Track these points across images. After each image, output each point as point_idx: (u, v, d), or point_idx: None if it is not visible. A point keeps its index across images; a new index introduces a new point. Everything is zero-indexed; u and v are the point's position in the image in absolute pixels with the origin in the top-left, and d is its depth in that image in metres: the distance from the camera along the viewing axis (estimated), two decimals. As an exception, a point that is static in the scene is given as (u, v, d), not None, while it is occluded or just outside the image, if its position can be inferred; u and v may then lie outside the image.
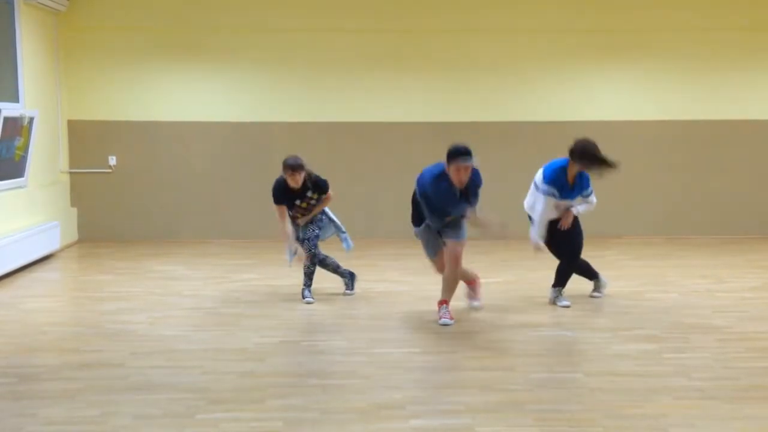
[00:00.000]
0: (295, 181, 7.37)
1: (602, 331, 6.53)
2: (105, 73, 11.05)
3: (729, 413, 4.74)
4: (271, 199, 7.51)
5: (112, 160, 11.14)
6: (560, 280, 7.43)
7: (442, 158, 6.59)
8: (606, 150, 7.54)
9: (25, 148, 9.35)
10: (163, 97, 11.15)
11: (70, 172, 11.09)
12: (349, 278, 7.84)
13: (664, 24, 11.21)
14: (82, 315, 7.24)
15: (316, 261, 7.63)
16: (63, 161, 10.95)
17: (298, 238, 7.55)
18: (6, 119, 8.64)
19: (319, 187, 7.53)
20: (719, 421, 4.61)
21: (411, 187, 6.85)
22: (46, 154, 10.28)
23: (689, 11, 11.21)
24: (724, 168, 11.45)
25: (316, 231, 7.61)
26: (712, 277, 8.71)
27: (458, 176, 6.50)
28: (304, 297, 7.54)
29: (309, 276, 7.61)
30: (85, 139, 11.09)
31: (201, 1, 11.04)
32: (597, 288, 7.70)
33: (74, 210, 11.11)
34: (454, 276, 6.84)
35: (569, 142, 7.38)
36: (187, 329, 6.62)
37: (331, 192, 7.63)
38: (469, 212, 6.61)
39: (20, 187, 9.43)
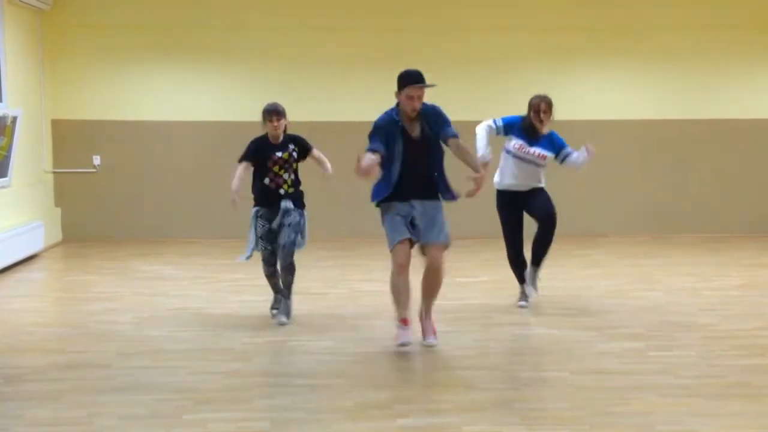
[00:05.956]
0: (275, 129, 6.72)
1: (588, 329, 6.55)
2: (89, 72, 11.00)
3: (715, 410, 4.76)
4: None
5: (97, 160, 11.08)
6: (536, 258, 7.09)
7: None
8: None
9: (9, 147, 9.29)
10: (148, 97, 11.10)
11: (54, 172, 11.03)
12: (285, 307, 6.80)
13: (654, 23, 11.24)
14: (67, 315, 7.21)
15: (289, 269, 6.73)
16: (47, 161, 10.89)
17: (270, 233, 6.73)
18: (-10, 119, 8.60)
19: (298, 140, 6.91)
20: (705, 418, 4.63)
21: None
22: (29, 153, 10.22)
23: (680, 9, 11.22)
24: (710, 167, 11.49)
25: (293, 236, 6.67)
26: (697, 276, 8.75)
27: (411, 103, 5.96)
28: (274, 315, 6.79)
29: (276, 286, 6.84)
30: (69, 139, 11.03)
31: (186, 0, 11.01)
32: (522, 296, 7.23)
33: (58, 210, 11.05)
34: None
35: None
36: (173, 329, 6.59)
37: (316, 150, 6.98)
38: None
39: (4, 186, 9.37)
